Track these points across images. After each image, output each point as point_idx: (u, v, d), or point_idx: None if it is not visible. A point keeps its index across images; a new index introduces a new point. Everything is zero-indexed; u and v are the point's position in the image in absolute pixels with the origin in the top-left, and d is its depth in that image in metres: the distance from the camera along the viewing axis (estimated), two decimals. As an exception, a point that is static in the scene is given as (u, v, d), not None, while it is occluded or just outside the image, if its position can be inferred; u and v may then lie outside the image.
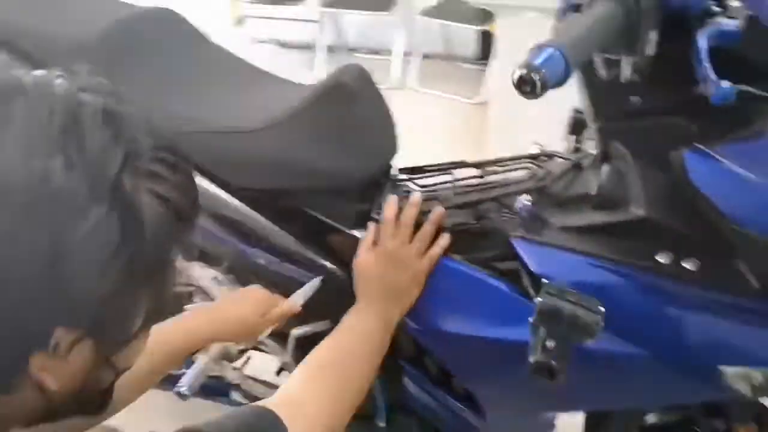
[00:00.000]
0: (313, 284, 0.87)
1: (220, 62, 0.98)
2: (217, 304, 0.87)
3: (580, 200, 0.76)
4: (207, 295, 0.97)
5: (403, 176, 0.92)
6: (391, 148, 0.91)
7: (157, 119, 0.82)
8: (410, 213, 0.83)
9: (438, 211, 0.82)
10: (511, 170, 0.88)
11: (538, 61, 0.45)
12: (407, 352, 0.91)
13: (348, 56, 3.62)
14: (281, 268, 0.89)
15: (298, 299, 0.86)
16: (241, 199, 0.87)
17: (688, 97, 0.63)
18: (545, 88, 0.46)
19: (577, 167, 0.81)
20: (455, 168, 0.92)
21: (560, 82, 0.47)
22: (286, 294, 0.86)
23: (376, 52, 3.62)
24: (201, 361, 0.86)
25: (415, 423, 0.97)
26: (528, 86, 0.46)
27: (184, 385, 0.83)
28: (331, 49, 3.57)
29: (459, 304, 0.81)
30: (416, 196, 0.84)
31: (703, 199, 0.59)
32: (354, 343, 0.74)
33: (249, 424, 0.53)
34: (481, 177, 0.89)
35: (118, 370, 0.47)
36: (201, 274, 0.95)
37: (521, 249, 0.75)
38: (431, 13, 3.01)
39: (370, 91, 0.87)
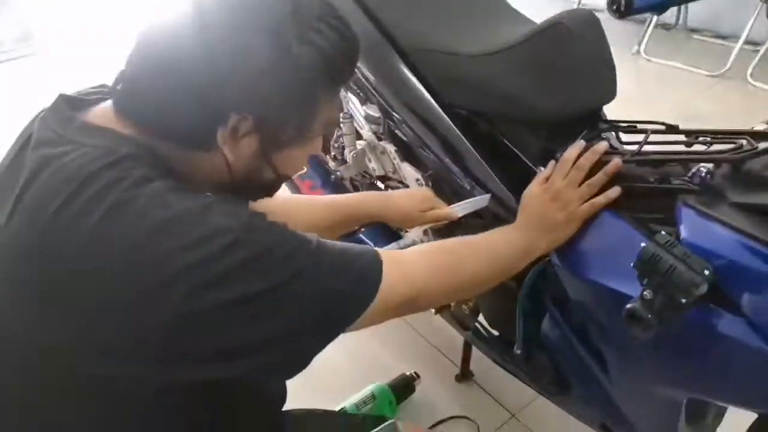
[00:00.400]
0: (481, 200, 0.97)
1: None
2: (391, 193, 1.04)
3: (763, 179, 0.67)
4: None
5: (605, 125, 0.92)
6: (602, 96, 0.91)
7: (406, 32, 1.03)
8: (588, 158, 0.84)
9: (615, 162, 0.82)
10: (722, 142, 0.80)
11: None
12: (552, 292, 0.94)
13: (686, 38, 3.27)
14: (466, 182, 1.01)
15: (459, 209, 0.97)
16: (452, 119, 1.01)
17: None
18: (629, 10, 0.46)
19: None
20: (665, 132, 0.88)
21: (651, 8, 0.46)
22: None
23: (724, 38, 3.17)
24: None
25: (548, 361, 1.00)
26: (614, 5, 0.47)
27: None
28: (666, 27, 3.27)
29: (606, 255, 0.81)
30: (601, 145, 0.85)
31: None
32: (483, 247, 0.82)
33: (352, 251, 0.67)
34: (687, 144, 0.83)
35: (277, 170, 0.66)
36: (408, 172, 1.13)
37: (682, 215, 0.71)
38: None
39: (592, 35, 0.89)
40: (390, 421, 0.79)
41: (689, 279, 0.58)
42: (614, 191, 0.82)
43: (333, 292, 0.62)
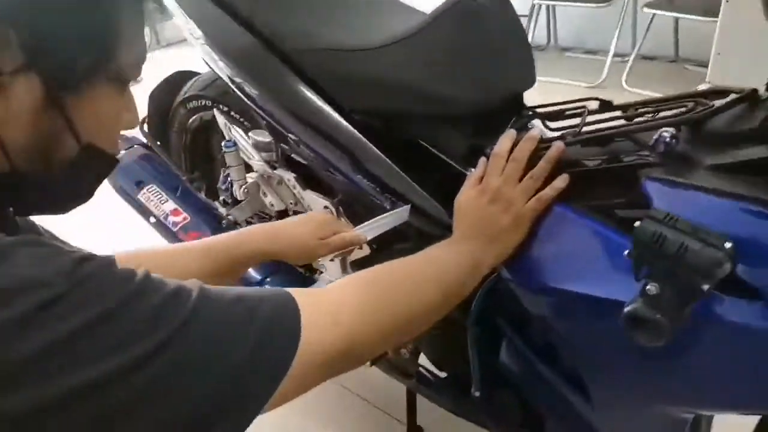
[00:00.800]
0: (398, 213, 0.80)
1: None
2: (281, 222, 0.84)
3: (745, 135, 0.56)
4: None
5: (529, 113, 0.80)
6: (522, 80, 0.80)
7: (288, 33, 0.86)
8: (524, 147, 0.71)
9: (557, 146, 0.69)
10: (668, 108, 0.70)
11: None
12: (508, 314, 0.79)
13: (559, 56, 3.43)
14: (385, 201, 0.85)
15: (368, 230, 0.80)
16: (356, 127, 0.85)
17: None
18: None
19: (753, 100, 0.60)
20: (600, 111, 0.77)
21: None
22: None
23: (594, 53, 3.36)
24: None
25: (513, 398, 0.84)
26: None
27: None
28: (539, 48, 3.42)
29: (568, 256, 0.67)
30: (535, 131, 0.73)
31: None
32: (422, 269, 0.65)
33: (251, 296, 0.48)
34: (628, 119, 0.73)
35: (79, 135, 0.45)
36: (313, 201, 0.95)
37: (653, 191, 0.58)
38: (660, 5, 2.65)
39: (504, 14, 0.78)
40: None
41: (709, 257, 0.44)
42: (562, 180, 0.68)
43: (233, 355, 0.43)
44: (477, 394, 0.86)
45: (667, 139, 0.59)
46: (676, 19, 2.76)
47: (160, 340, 0.39)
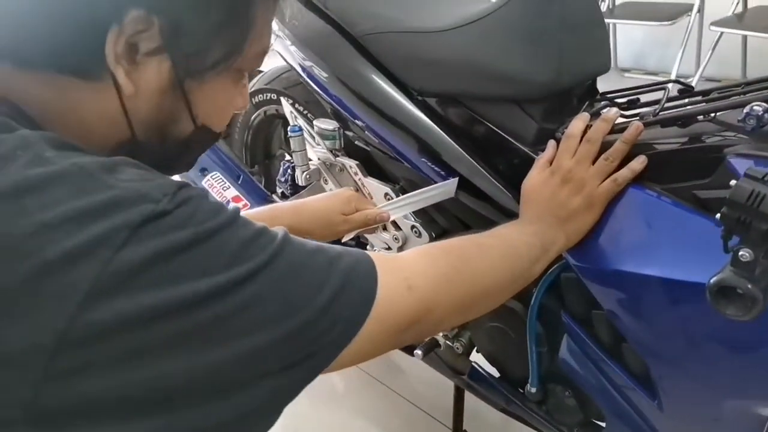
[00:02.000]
0: (440, 189, 0.79)
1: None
2: (307, 198, 0.85)
3: None
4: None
5: (606, 99, 0.78)
6: (597, 63, 0.78)
7: (359, 17, 0.88)
8: (600, 128, 0.69)
9: (636, 125, 0.66)
10: (755, 90, 0.67)
11: None
12: (572, 305, 0.75)
13: (619, 77, 3.36)
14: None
15: (394, 208, 0.81)
16: (424, 110, 0.85)
17: None
18: None
19: None
20: (680, 97, 0.74)
21: None
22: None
23: (655, 74, 3.28)
24: None
25: (573, 397, 0.80)
26: None
27: None
28: (599, 68, 3.37)
29: (645, 240, 0.64)
30: (613, 111, 0.71)
31: None
32: (496, 245, 0.63)
33: (331, 250, 0.47)
34: (705, 102, 0.70)
35: (196, 117, 0.47)
36: (374, 188, 0.95)
37: (740, 167, 0.55)
38: (728, 23, 2.55)
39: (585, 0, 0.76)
40: None
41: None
42: (639, 161, 0.66)
43: (310, 302, 0.42)
44: (533, 390, 0.83)
45: (759, 113, 0.56)
46: (745, 38, 2.66)
47: (245, 271, 0.39)
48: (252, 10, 0.46)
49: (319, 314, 0.42)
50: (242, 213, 0.78)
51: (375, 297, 0.47)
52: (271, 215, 0.77)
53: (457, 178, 0.81)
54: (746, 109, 0.57)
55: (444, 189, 0.82)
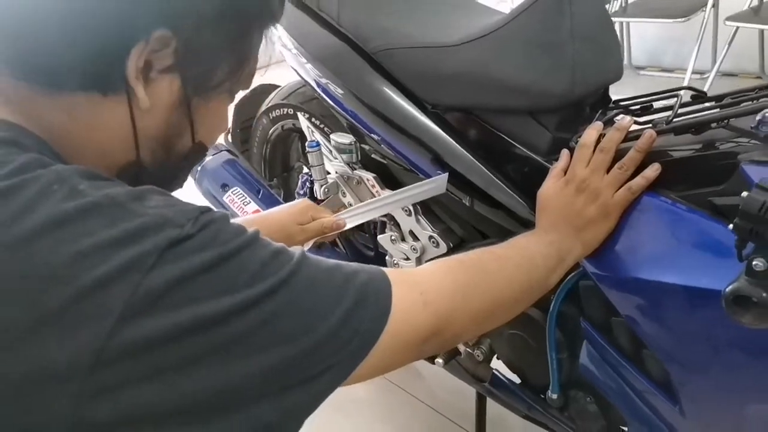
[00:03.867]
0: (430, 186, 0.82)
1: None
2: (270, 210, 0.91)
3: None
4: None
5: (619, 106, 0.79)
6: (609, 71, 0.79)
7: (372, 34, 0.90)
8: (613, 137, 0.70)
9: (649, 133, 0.67)
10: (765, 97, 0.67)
11: None
12: (591, 312, 0.76)
13: (634, 76, 3.34)
14: (462, 195, 0.85)
15: (350, 216, 0.86)
16: (438, 123, 0.86)
17: None
18: None
19: None
20: (692, 103, 0.75)
21: None
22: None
23: (670, 71, 3.25)
24: None
25: (594, 403, 0.80)
26: None
27: None
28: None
29: (661, 247, 0.64)
30: (626, 120, 0.71)
31: None
32: (513, 255, 0.65)
33: (347, 267, 0.49)
34: (721, 108, 0.70)
35: (195, 133, 0.50)
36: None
37: (753, 174, 0.56)
38: (744, 17, 2.52)
39: (594, 10, 0.77)
40: None
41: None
42: (653, 169, 0.67)
43: (326, 319, 0.44)
44: (554, 396, 0.84)
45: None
46: (761, 32, 2.63)
47: (265, 289, 0.40)
48: (251, 35, 0.50)
49: (335, 329, 0.44)
50: None
51: (390, 312, 0.48)
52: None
53: (446, 174, 0.83)
54: (759, 116, 0.58)
55: (434, 185, 0.84)
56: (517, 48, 0.77)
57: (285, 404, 0.42)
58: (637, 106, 0.79)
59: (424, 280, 0.55)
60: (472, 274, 0.59)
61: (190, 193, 0.86)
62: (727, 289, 0.47)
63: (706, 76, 2.79)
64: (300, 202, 0.92)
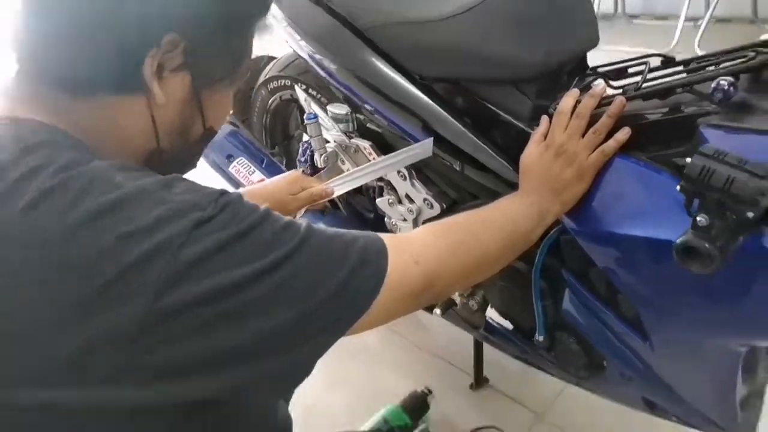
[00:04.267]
0: (417, 150, 0.89)
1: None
2: (261, 183, 1.00)
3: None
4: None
5: (595, 73, 0.84)
6: (585, 41, 0.84)
7: (362, 11, 0.94)
8: (588, 103, 0.76)
9: (619, 100, 0.73)
10: (729, 60, 0.73)
11: None
12: (572, 263, 0.84)
13: (627, 24, 3.33)
14: (453, 161, 0.92)
15: (337, 184, 0.94)
16: (428, 94, 0.92)
17: None
18: None
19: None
20: (662, 67, 0.81)
21: None
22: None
23: (664, 18, 3.24)
24: None
25: (576, 343, 0.89)
26: None
27: None
28: (606, 17, 3.33)
29: (630, 204, 0.72)
30: (597, 88, 0.77)
31: None
32: (496, 217, 0.72)
33: (347, 235, 0.56)
34: (688, 73, 0.76)
35: (206, 120, 0.57)
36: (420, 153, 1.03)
37: (710, 137, 0.63)
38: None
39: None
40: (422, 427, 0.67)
41: (755, 187, 0.49)
42: (623, 133, 0.73)
43: (332, 279, 0.51)
44: (541, 339, 0.92)
45: (725, 88, 0.63)
46: (754, -23, 2.62)
47: (281, 256, 0.48)
48: (249, 29, 0.56)
49: (341, 287, 0.51)
50: None
51: (386, 271, 0.56)
52: None
53: (431, 139, 0.90)
54: (713, 84, 0.64)
55: (419, 150, 0.91)
56: (497, 22, 0.83)
57: (306, 348, 0.50)
58: (612, 72, 0.84)
59: (415, 243, 0.63)
60: (459, 236, 0.67)
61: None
62: (677, 241, 0.55)
63: (699, 23, 2.80)
64: (290, 174, 0.99)
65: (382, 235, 0.60)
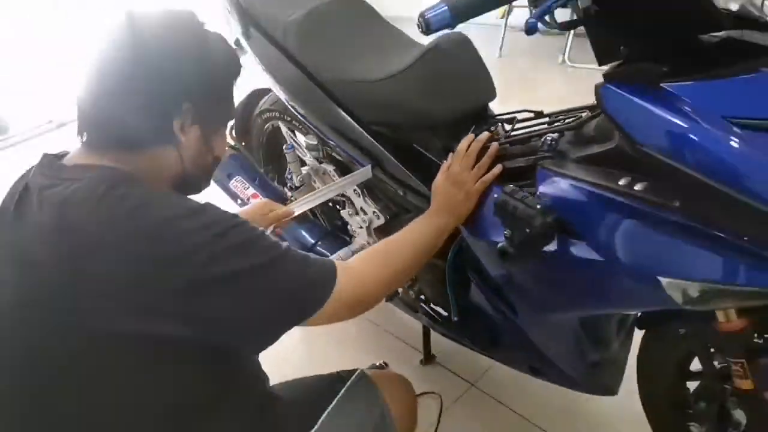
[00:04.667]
0: (358, 175, 1.22)
1: (375, 31, 1.34)
2: (241, 209, 1.26)
3: (590, 138, 0.89)
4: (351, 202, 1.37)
5: (491, 120, 1.14)
6: (483, 97, 1.15)
7: (324, 67, 1.25)
8: (475, 146, 1.06)
9: (494, 145, 1.03)
10: (572, 117, 1.02)
11: (427, 11, 0.69)
12: (471, 262, 1.14)
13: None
14: (392, 184, 1.23)
15: (296, 206, 1.23)
16: (371, 134, 1.22)
17: (661, 45, 0.74)
18: (429, 30, 0.69)
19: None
20: (534, 118, 1.10)
21: (445, 27, 0.69)
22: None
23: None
24: None
25: (479, 322, 1.19)
26: (420, 27, 0.70)
27: None
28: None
29: (496, 220, 1.01)
30: (483, 134, 1.07)
31: (615, 123, 0.72)
32: (405, 239, 1.00)
33: (314, 258, 0.83)
34: (549, 124, 1.06)
35: (214, 151, 0.87)
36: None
37: (539, 176, 0.92)
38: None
39: (464, 51, 1.13)
40: (359, 371, 0.97)
41: (526, 213, 0.79)
42: (497, 168, 1.03)
43: (299, 282, 0.79)
44: (455, 319, 1.22)
45: (549, 141, 0.92)
46: None
47: (272, 258, 0.76)
48: (231, 89, 0.87)
49: (302, 291, 0.79)
50: None
51: (334, 285, 0.83)
52: None
53: (368, 166, 1.21)
54: (542, 138, 0.93)
55: (359, 177, 1.23)
56: (417, 84, 1.13)
57: (280, 319, 0.78)
58: (506, 120, 1.14)
59: (354, 266, 0.90)
60: (381, 258, 0.95)
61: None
62: (498, 247, 0.84)
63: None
64: (260, 201, 1.28)
65: (335, 262, 0.87)
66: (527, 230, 0.80)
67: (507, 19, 3.80)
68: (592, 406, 1.41)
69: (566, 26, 0.78)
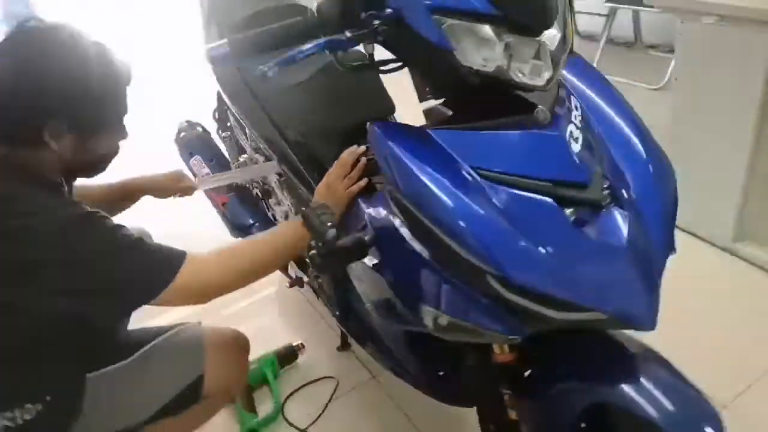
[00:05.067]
0: (261, 169, 1.37)
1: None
2: (156, 174, 1.41)
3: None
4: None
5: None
6: (378, 112, 1.22)
7: (262, 86, 1.37)
8: (347, 158, 1.14)
9: (362, 161, 1.12)
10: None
11: (212, 48, 0.78)
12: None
13: (643, 53, 3.45)
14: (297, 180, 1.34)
15: (202, 183, 1.42)
16: (279, 132, 1.33)
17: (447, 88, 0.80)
18: (213, 63, 0.78)
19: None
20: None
21: (226, 63, 0.78)
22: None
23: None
24: None
25: (356, 315, 1.28)
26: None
27: None
28: (627, 45, 3.47)
29: (359, 225, 1.10)
30: (360, 149, 1.15)
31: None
32: (266, 241, 1.12)
33: (163, 249, 0.99)
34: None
35: (96, 153, 1.01)
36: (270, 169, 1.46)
37: (378, 196, 1.00)
38: None
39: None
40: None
41: (318, 227, 0.87)
42: (363, 181, 1.11)
43: (141, 268, 0.95)
44: (337, 314, 1.32)
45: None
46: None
47: (121, 245, 0.94)
48: (123, 96, 1.00)
49: (149, 273, 0.95)
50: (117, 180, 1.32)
51: (179, 270, 0.97)
52: (134, 180, 1.38)
53: (275, 161, 1.34)
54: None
55: (266, 169, 1.38)
56: (310, 99, 1.22)
57: (122, 297, 0.96)
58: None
59: (202, 258, 1.03)
60: (234, 258, 1.07)
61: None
62: (309, 254, 0.93)
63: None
64: (174, 171, 1.43)
65: (189, 254, 1.01)
66: (320, 243, 0.88)
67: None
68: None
69: (353, 69, 0.86)
